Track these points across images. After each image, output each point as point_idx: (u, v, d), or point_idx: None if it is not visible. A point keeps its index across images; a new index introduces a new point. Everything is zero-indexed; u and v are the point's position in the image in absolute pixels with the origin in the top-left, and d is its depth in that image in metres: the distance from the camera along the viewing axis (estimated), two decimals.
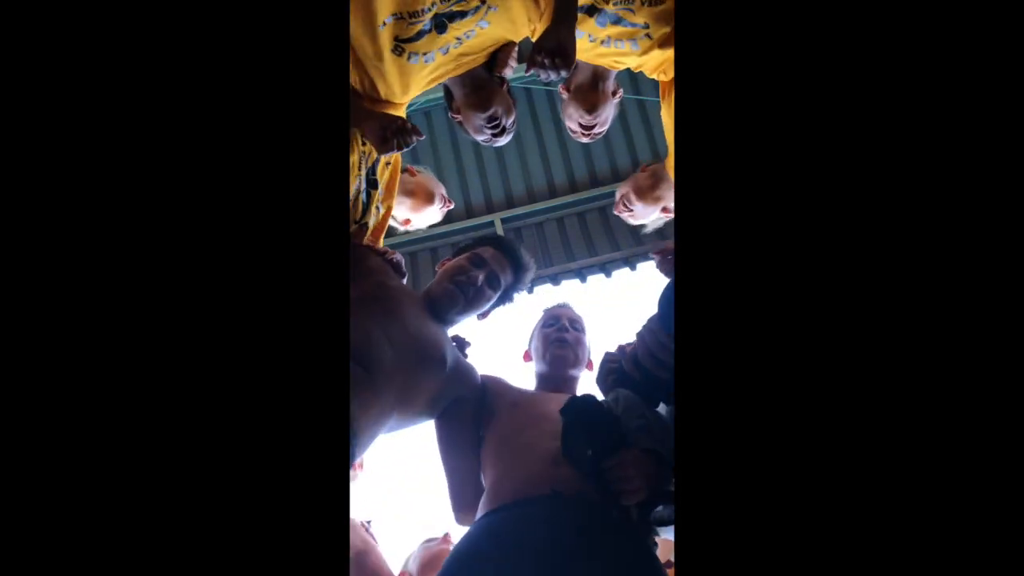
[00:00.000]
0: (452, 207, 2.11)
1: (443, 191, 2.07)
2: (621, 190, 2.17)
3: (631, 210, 2.13)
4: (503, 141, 1.73)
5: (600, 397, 1.33)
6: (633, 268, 3.62)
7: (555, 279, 3.74)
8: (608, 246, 3.71)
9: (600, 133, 1.89)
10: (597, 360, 1.67)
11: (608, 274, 3.67)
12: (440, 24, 1.50)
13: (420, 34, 1.51)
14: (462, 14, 1.51)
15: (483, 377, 1.57)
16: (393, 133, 1.47)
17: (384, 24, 1.49)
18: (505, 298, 1.64)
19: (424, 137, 1.63)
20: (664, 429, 1.23)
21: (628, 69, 1.77)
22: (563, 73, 1.43)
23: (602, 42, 1.64)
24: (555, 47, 1.40)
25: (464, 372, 1.50)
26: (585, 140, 1.92)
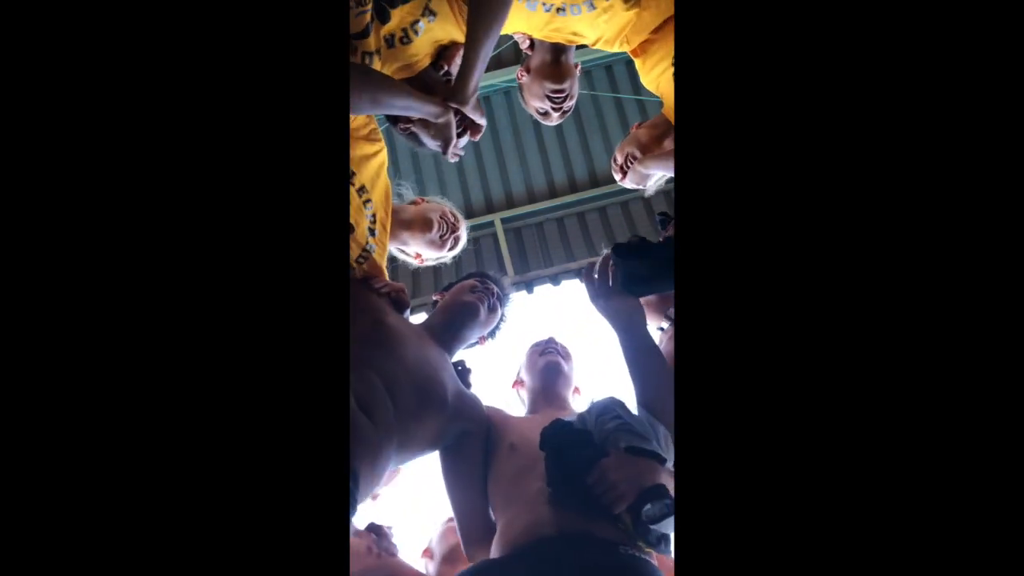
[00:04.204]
0: (459, 233, 1.93)
1: (445, 215, 1.89)
2: (623, 151, 1.98)
3: (638, 169, 1.93)
4: (464, 141, 1.59)
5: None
6: None
7: (555, 279, 3.76)
8: (608, 246, 3.71)
9: (570, 108, 1.77)
10: (585, 389, 1.71)
11: None
12: (380, 10, 1.39)
13: (367, 30, 1.36)
14: None
15: (488, 408, 1.52)
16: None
17: None
18: (497, 327, 1.66)
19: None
20: (640, 420, 1.25)
21: (620, 67, 1.74)
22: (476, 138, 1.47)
23: (558, 10, 1.54)
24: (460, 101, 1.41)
25: (469, 406, 1.44)
26: (555, 119, 1.78)
